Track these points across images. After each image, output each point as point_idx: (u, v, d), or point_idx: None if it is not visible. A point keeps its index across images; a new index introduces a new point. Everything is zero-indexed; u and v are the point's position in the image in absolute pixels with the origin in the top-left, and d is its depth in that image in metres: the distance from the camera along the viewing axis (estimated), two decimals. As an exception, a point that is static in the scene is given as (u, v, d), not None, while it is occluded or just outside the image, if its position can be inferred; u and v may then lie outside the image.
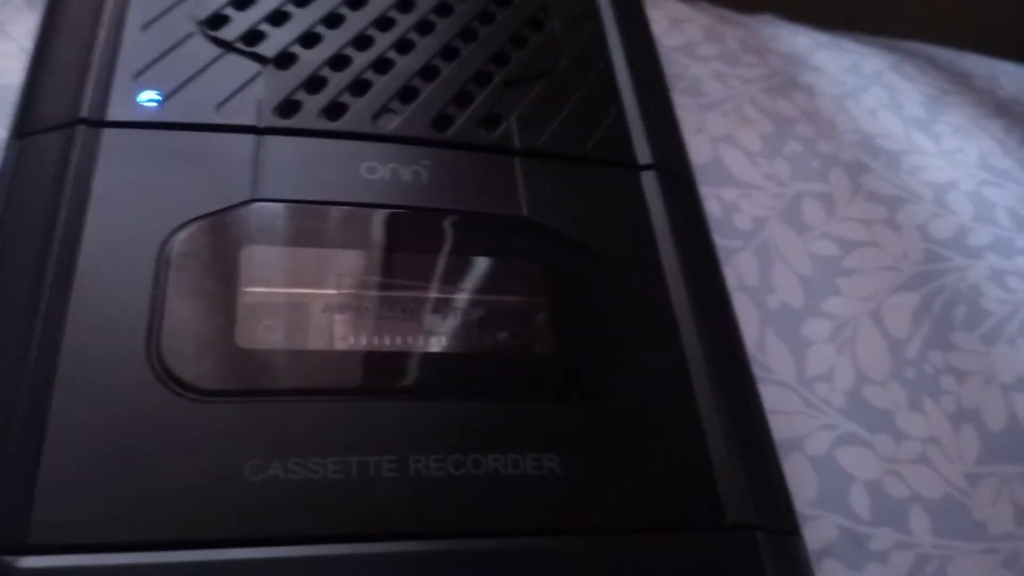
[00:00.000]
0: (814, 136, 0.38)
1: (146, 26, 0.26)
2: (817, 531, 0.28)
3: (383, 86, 0.27)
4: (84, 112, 0.24)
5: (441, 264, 0.24)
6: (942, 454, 0.30)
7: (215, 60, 0.26)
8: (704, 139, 0.36)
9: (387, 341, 0.22)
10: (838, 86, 0.41)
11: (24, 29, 0.32)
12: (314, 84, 0.26)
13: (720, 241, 0.32)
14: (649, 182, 0.27)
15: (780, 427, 0.29)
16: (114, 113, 0.24)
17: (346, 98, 0.26)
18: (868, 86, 0.41)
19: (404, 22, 0.28)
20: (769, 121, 0.38)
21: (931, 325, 0.33)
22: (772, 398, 0.30)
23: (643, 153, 0.27)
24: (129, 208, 0.22)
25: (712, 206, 0.34)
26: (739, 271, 0.33)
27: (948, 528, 0.29)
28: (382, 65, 0.27)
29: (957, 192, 0.37)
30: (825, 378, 0.31)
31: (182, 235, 0.22)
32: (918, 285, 0.34)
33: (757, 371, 0.29)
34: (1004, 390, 0.32)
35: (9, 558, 0.17)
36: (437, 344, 0.22)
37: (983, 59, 0.47)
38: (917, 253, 0.35)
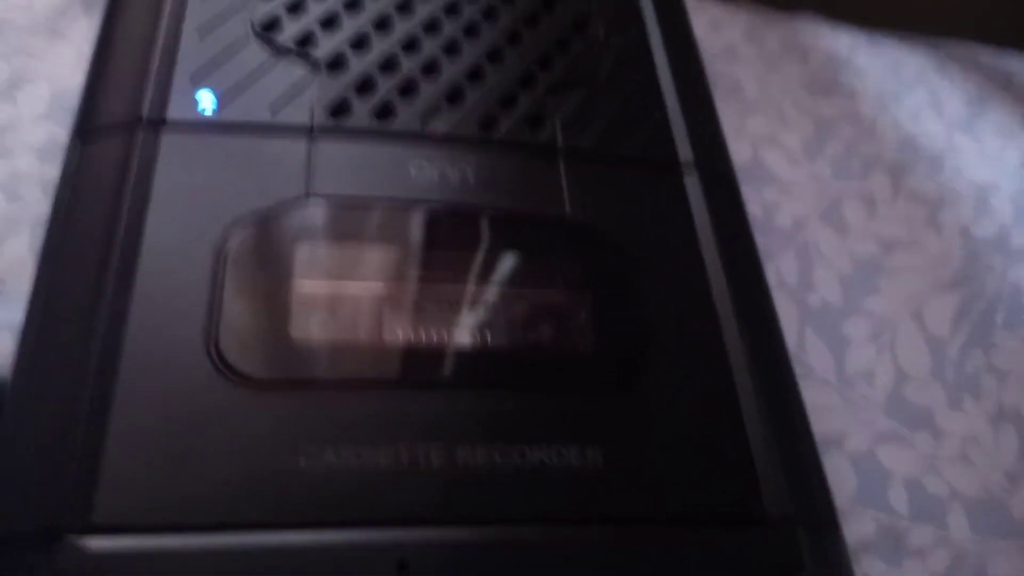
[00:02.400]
0: (855, 137, 0.38)
1: (203, 30, 0.27)
2: (856, 527, 0.28)
3: (431, 88, 0.27)
4: (144, 113, 0.25)
5: (487, 261, 0.24)
6: (982, 453, 0.30)
7: (269, 63, 0.27)
8: (745, 140, 0.36)
9: (436, 335, 0.23)
10: (879, 86, 0.41)
11: (81, 34, 0.33)
12: (364, 86, 0.27)
13: (761, 240, 0.33)
14: (692, 182, 0.27)
15: (820, 424, 0.29)
16: (173, 114, 0.25)
17: (395, 100, 0.27)
18: (910, 87, 0.41)
19: (451, 26, 0.29)
20: (810, 122, 0.38)
21: (972, 325, 0.33)
22: (812, 396, 0.30)
23: (686, 154, 0.28)
24: (187, 205, 0.23)
25: (753, 206, 0.34)
26: (780, 270, 0.33)
27: (987, 526, 0.29)
28: (430, 68, 0.28)
29: (999, 193, 0.37)
30: (865, 376, 0.31)
31: (239, 231, 0.23)
32: (959, 285, 0.34)
33: (797, 369, 0.29)
34: (1045, 390, 0.32)
35: (74, 537, 0.18)
36: (484, 338, 0.23)
37: (1027, 59, 0.46)
38: (958, 253, 0.35)
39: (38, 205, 0.28)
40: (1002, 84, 0.43)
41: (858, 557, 0.28)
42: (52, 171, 0.28)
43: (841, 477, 0.29)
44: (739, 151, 0.36)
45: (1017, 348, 0.33)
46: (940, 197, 0.36)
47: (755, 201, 0.34)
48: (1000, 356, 0.32)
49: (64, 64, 0.32)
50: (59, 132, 0.30)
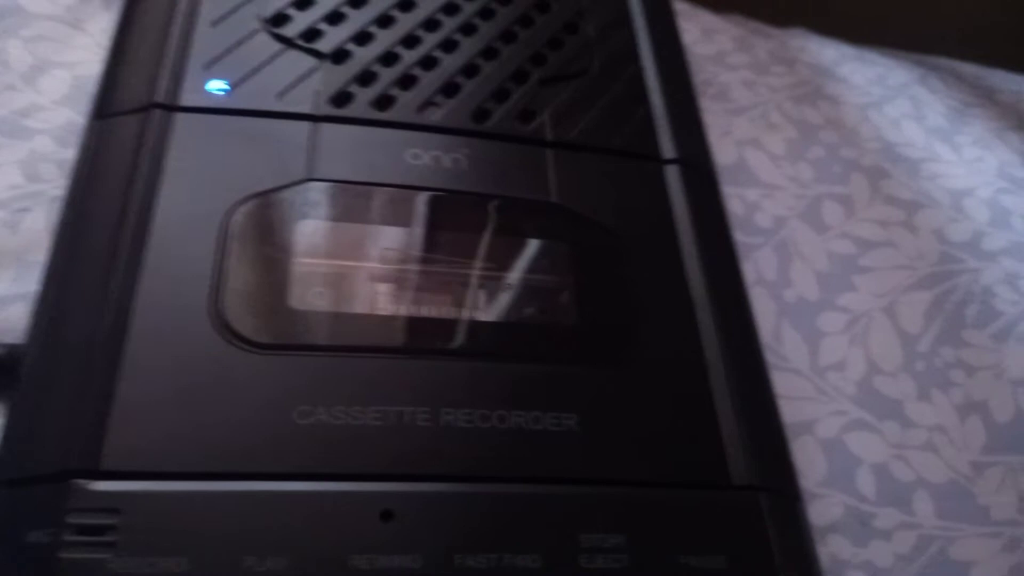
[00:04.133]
0: (837, 142, 0.39)
1: (216, 22, 0.29)
2: (824, 509, 0.30)
3: (428, 81, 0.29)
4: (159, 97, 0.26)
5: (475, 242, 0.26)
6: (948, 442, 0.32)
7: (277, 54, 0.28)
8: (730, 142, 0.38)
9: (424, 308, 0.24)
10: (863, 96, 0.42)
11: (100, 27, 0.35)
12: (366, 78, 0.28)
13: (741, 238, 0.34)
14: (672, 175, 0.29)
15: (792, 411, 0.31)
16: (186, 99, 0.27)
17: (394, 91, 0.28)
18: (893, 97, 0.43)
19: (449, 24, 0.31)
20: (794, 127, 0.39)
21: (943, 322, 0.34)
22: (786, 384, 0.32)
23: (668, 148, 0.29)
24: (197, 183, 0.25)
25: (735, 205, 0.36)
26: (759, 266, 0.34)
27: (952, 511, 0.30)
28: (428, 62, 0.29)
29: (974, 198, 0.38)
30: (837, 367, 0.33)
31: (244, 208, 0.25)
32: (932, 284, 0.35)
33: (772, 359, 0.31)
34: (1012, 385, 0.33)
35: (82, 481, 0.20)
36: (469, 311, 0.25)
37: (1010, 75, 0.48)
38: (932, 254, 0.36)
39: (55, 185, 0.30)
40: (984, 98, 0.45)
41: (826, 537, 0.29)
42: (69, 153, 0.30)
43: (811, 461, 0.31)
44: (724, 152, 0.37)
45: (986, 345, 0.34)
46: (917, 201, 0.38)
47: (737, 200, 0.36)
48: (969, 353, 0.34)
49: (83, 53, 0.33)
50: (76, 117, 0.31)
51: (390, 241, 0.25)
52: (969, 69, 0.48)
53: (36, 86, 0.32)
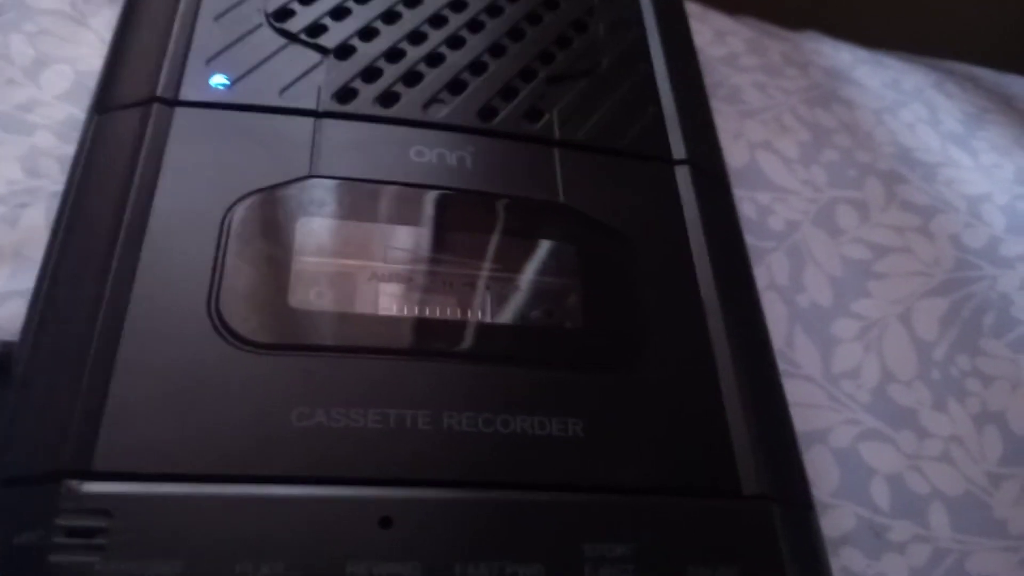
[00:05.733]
0: (852, 146, 0.39)
1: (218, 17, 0.28)
2: (837, 520, 0.29)
3: (434, 78, 0.28)
4: (160, 92, 0.26)
5: (480, 242, 0.25)
6: (965, 453, 0.31)
7: (280, 49, 0.28)
8: (742, 145, 0.37)
9: (427, 309, 0.24)
10: (878, 100, 0.42)
11: (103, 22, 0.34)
12: (370, 74, 0.28)
13: (754, 241, 0.34)
14: (682, 176, 0.28)
15: (805, 420, 0.30)
16: (187, 93, 0.26)
17: (399, 88, 0.28)
18: (908, 102, 0.42)
19: (456, 20, 0.30)
20: (807, 130, 0.39)
21: (959, 330, 0.34)
22: (798, 392, 0.31)
23: (678, 149, 0.29)
24: (197, 179, 0.24)
25: (747, 208, 0.35)
26: (771, 270, 0.34)
27: (968, 524, 0.30)
28: (434, 59, 0.29)
29: (991, 204, 0.38)
30: (851, 375, 0.32)
31: (244, 205, 0.24)
32: (948, 291, 0.34)
33: (784, 366, 0.30)
34: (1030, 395, 0.32)
35: (74, 482, 0.19)
36: (473, 313, 0.24)
37: (1028, 80, 0.47)
38: (948, 261, 0.35)
39: (54, 180, 0.29)
40: (1001, 104, 0.44)
41: (838, 550, 0.28)
42: (69, 149, 0.29)
43: (824, 471, 0.30)
44: (736, 155, 0.37)
45: (1003, 355, 0.33)
46: (932, 206, 0.37)
47: (749, 203, 0.35)
48: (986, 361, 0.33)
49: (86, 49, 0.33)
50: (78, 113, 0.31)
51: (392, 240, 0.25)
52: (986, 74, 0.47)
53: (37, 81, 0.32)
